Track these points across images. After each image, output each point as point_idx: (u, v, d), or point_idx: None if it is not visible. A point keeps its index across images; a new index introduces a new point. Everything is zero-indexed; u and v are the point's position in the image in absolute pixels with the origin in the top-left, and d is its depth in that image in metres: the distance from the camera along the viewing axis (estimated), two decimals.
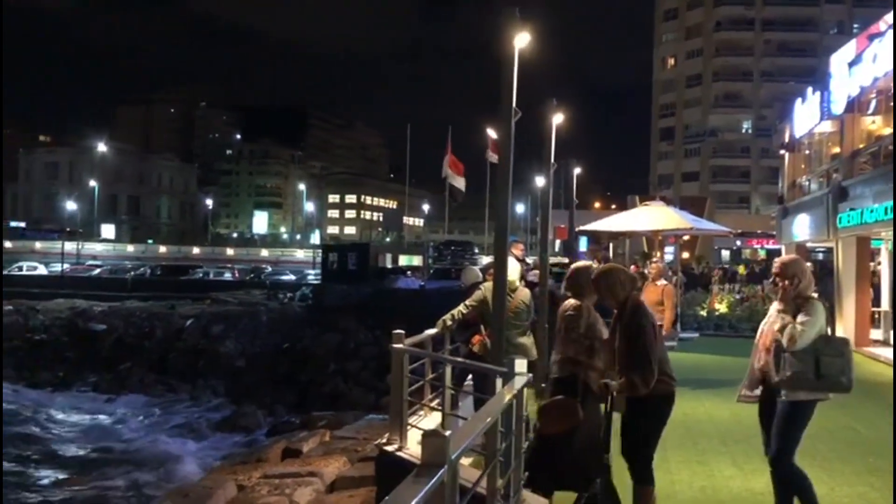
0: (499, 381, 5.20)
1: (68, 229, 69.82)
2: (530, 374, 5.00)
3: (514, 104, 7.04)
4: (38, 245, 73.58)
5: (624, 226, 16.73)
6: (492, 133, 16.04)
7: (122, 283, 45.54)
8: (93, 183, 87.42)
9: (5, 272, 50.55)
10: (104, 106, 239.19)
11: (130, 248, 76.93)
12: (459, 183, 35.71)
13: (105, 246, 77.69)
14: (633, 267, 14.66)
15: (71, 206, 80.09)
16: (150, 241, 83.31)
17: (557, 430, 4.81)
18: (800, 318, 4.79)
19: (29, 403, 24.55)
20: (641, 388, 4.52)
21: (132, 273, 50.55)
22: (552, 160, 11.76)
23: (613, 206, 68.72)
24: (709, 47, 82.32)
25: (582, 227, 18.40)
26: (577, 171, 20.00)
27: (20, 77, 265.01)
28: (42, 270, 52.82)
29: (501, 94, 6.92)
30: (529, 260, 12.72)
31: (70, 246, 61.87)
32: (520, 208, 75.54)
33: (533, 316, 8.38)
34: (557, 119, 11.65)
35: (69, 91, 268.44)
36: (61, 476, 16.69)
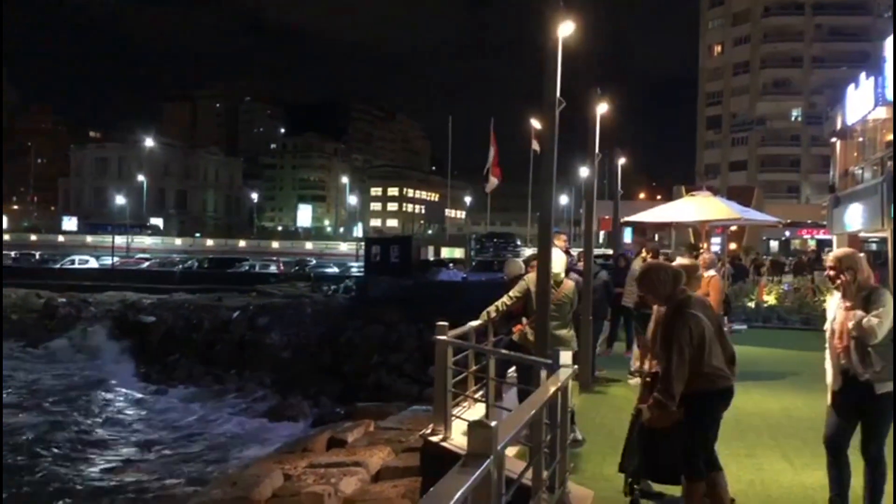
0: (543, 373, 5.17)
1: (153, 222, 70.90)
2: (575, 366, 4.96)
3: (558, 94, 6.98)
4: (89, 239, 75.41)
5: (670, 216, 16.47)
6: (535, 123, 15.94)
7: (170, 276, 46.44)
8: (141, 178, 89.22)
9: (58, 265, 51.95)
10: (152, 102, 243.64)
11: (178, 241, 78.38)
12: (491, 182, 35.60)
13: (154, 239, 79.28)
14: (679, 259, 14.42)
15: (120, 200, 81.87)
16: (197, 235, 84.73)
17: (666, 425, 4.79)
18: (872, 310, 4.66)
19: (79, 392, 25.27)
20: (669, 403, 4.51)
21: (180, 266, 51.49)
22: (596, 150, 11.64)
23: (659, 197, 67.86)
24: (757, 33, 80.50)
25: (626, 218, 18.17)
26: (621, 161, 19.79)
27: (71, 75, 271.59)
28: (93, 264, 54.08)
29: (545, 84, 6.87)
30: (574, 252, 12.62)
31: (120, 240, 63.30)
32: (563, 199, 75.06)
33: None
34: (601, 108, 11.52)
35: (118, 88, 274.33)
36: (114, 463, 17.14)
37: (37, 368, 28.92)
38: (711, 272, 11.83)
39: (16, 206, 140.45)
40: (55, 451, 18.00)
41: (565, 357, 4.87)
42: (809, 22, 77.84)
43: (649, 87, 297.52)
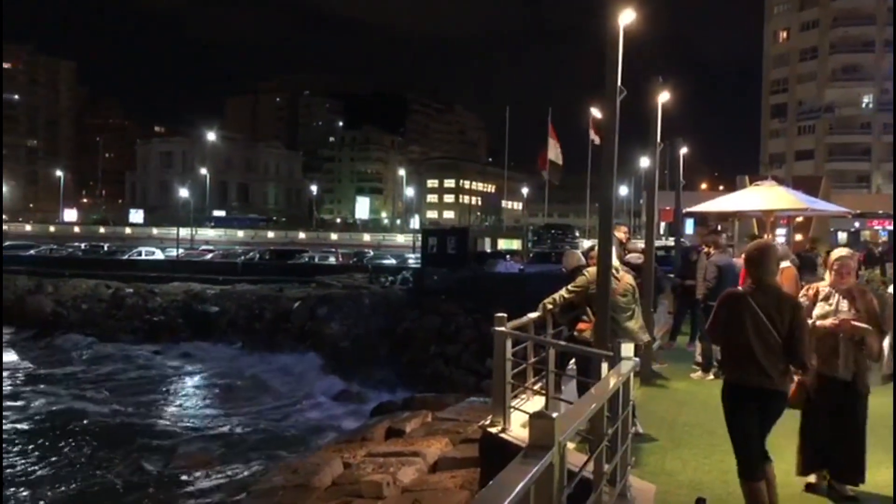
0: (604, 366, 5.11)
1: (271, 218, 71.84)
2: (637, 359, 4.89)
3: (619, 83, 6.87)
4: (154, 231, 77.47)
5: (733, 206, 16.06)
6: (595, 113, 15.71)
7: (233, 268, 47.33)
8: (204, 171, 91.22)
9: (125, 257, 53.47)
10: (215, 97, 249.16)
11: (240, 233, 79.87)
12: (555, 155, 35.15)
13: (217, 231, 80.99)
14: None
15: (184, 193, 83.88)
16: (259, 226, 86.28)
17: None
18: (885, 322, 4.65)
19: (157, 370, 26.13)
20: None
21: (243, 257, 52.43)
22: (658, 140, 11.43)
23: (721, 188, 66.37)
24: (825, 17, 77.79)
25: (689, 209, 17.81)
26: (683, 151, 19.39)
27: (138, 72, 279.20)
28: (159, 255, 55.48)
29: (606, 73, 6.76)
30: (639, 244, 12.34)
31: (185, 232, 64.86)
32: (623, 190, 74.04)
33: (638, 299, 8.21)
34: (663, 97, 11.30)
35: (183, 83, 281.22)
36: (191, 441, 17.69)
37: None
38: (786, 263, 11.47)
39: (85, 200, 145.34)
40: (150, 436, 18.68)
41: (627, 349, 4.80)
42: (881, 4, 74.80)
43: (712, 75, 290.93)
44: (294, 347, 29.29)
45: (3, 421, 20.06)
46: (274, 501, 11.01)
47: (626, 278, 7.52)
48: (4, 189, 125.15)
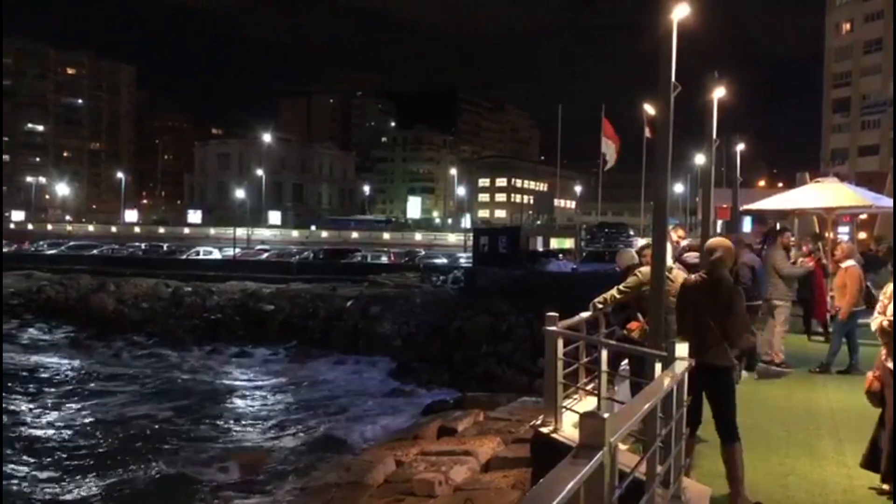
0: (658, 366, 5.03)
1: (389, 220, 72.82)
2: (692, 360, 4.80)
3: (672, 78, 6.76)
4: (212, 231, 79.10)
5: (793, 204, 15.70)
6: (649, 109, 15.49)
7: (287, 267, 48.05)
8: (260, 172, 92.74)
9: (184, 256, 54.72)
10: (269, 98, 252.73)
11: (295, 233, 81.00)
12: (610, 150, 34.68)
13: (272, 232, 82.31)
14: (803, 248, 13.68)
15: (240, 194, 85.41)
16: (313, 227, 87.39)
17: None
18: None
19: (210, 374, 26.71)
20: None
21: (297, 257, 53.17)
22: (714, 136, 11.21)
23: (780, 185, 64.64)
24: (890, 8, 75.21)
25: (746, 207, 17.45)
26: (740, 147, 19.02)
27: (195, 74, 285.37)
28: (216, 255, 56.61)
29: (660, 69, 6.66)
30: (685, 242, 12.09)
31: (241, 232, 66.11)
32: (678, 188, 72.81)
33: None
34: (719, 93, 11.09)
35: (239, 85, 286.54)
36: (245, 436, 18.04)
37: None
38: (850, 262, 11.14)
39: (145, 201, 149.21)
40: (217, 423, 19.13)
41: (681, 349, 4.72)
42: None
43: (770, 70, 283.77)
44: (346, 346, 29.60)
45: (51, 418, 20.72)
46: (327, 498, 11.14)
47: (680, 278, 7.39)
48: (69, 190, 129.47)
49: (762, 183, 79.40)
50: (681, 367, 4.51)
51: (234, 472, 15.10)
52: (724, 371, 5.56)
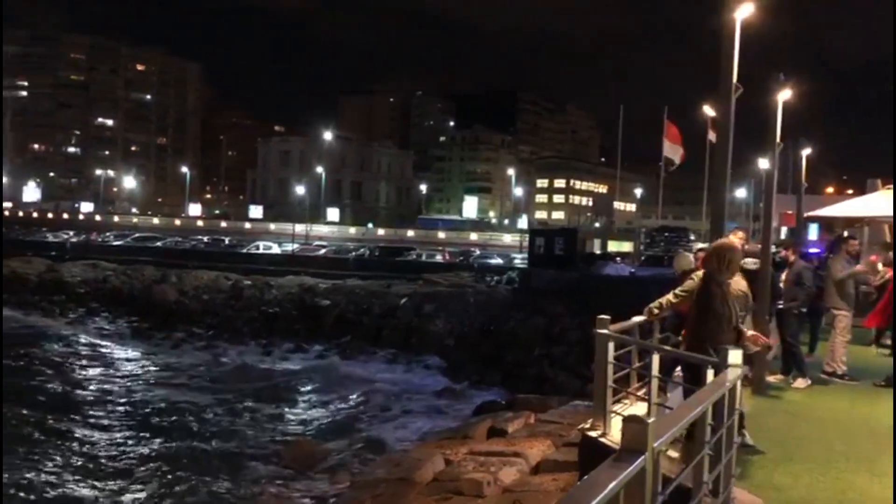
0: (710, 373, 4.93)
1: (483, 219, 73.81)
2: (746, 367, 4.69)
3: (734, 79, 6.63)
4: (272, 226, 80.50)
5: (863, 211, 15.21)
6: (710, 111, 15.20)
7: (344, 263, 48.56)
8: (320, 169, 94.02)
9: (244, 250, 55.77)
10: (331, 97, 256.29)
11: (352, 230, 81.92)
12: (675, 152, 33.97)
13: (330, 228, 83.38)
14: (872, 257, 13.24)
15: (300, 190, 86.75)
16: (369, 225, 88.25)
17: None
18: None
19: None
20: None
21: (353, 254, 53.70)
22: (777, 140, 10.92)
23: (850, 192, 62.64)
24: None
25: (812, 213, 16.96)
26: (806, 151, 18.49)
27: (259, 72, 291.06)
28: (276, 250, 57.55)
29: (721, 70, 6.53)
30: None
31: (300, 227, 67.11)
32: (741, 193, 71.24)
33: (752, 305, 7.90)
34: (784, 95, 10.77)
35: (301, 84, 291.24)
36: (296, 430, 18.33)
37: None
38: None
39: (209, 195, 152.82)
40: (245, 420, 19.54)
41: (734, 357, 4.61)
42: None
43: (839, 71, 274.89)
44: (399, 343, 29.77)
45: (113, 406, 21.39)
46: (376, 493, 11.21)
47: (739, 285, 7.23)
48: (136, 183, 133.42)
49: (830, 189, 77.05)
50: (733, 373, 4.41)
51: (285, 464, 15.34)
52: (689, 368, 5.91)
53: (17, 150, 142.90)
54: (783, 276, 10.99)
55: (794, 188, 21.90)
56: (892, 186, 15.38)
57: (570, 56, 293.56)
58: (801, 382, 10.11)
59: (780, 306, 10.60)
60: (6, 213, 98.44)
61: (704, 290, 5.93)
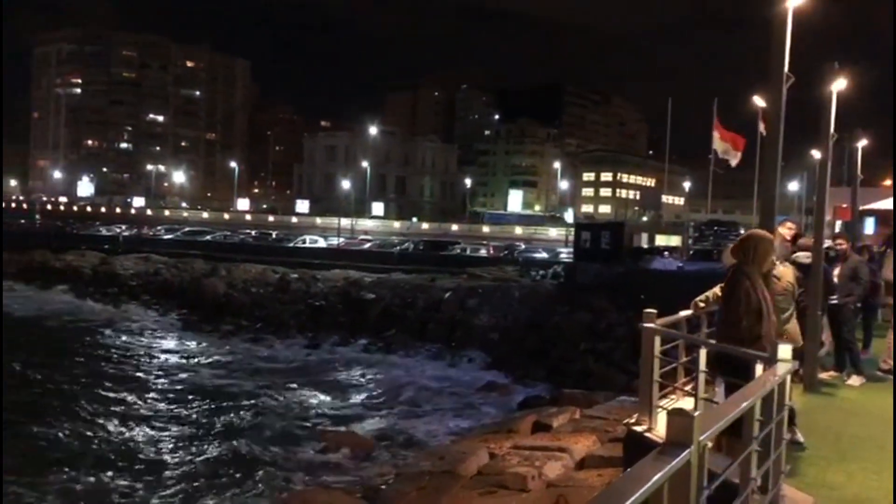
0: (759, 367, 4.84)
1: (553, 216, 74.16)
2: (796, 362, 4.59)
3: (786, 69, 6.47)
4: (318, 220, 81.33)
5: None
6: (761, 102, 14.87)
7: (388, 257, 48.85)
8: (365, 164, 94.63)
9: (291, 244, 56.43)
10: (376, 92, 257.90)
11: (397, 224, 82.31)
12: (733, 155, 33.37)
13: (375, 222, 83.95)
14: None
15: (346, 185, 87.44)
16: (414, 219, 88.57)
17: None
18: None
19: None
20: None
21: (398, 248, 53.96)
22: (831, 131, 10.63)
23: None
24: None
25: (867, 206, 16.51)
26: (862, 143, 17.99)
27: (306, 68, 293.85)
28: (322, 244, 58.13)
29: (772, 59, 6.38)
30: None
31: (345, 222, 67.68)
32: (793, 186, 69.65)
33: (797, 297, 7.73)
34: (839, 85, 10.47)
35: (348, 79, 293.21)
36: (342, 421, 18.54)
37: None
38: None
39: (256, 190, 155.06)
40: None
41: (784, 351, 4.51)
42: None
43: None
44: (443, 337, 29.82)
45: (159, 392, 21.97)
46: (420, 485, 11.26)
47: (787, 278, 7.08)
48: (185, 178, 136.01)
49: (887, 182, 74.79)
50: (783, 368, 4.31)
51: (331, 453, 15.53)
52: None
53: (71, 146, 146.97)
54: (837, 271, 10.72)
55: (850, 181, 21.34)
56: None
57: (617, 48, 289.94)
58: (855, 380, 9.86)
59: (835, 301, 10.35)
60: (61, 207, 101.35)
61: (730, 280, 5.81)
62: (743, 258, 5.87)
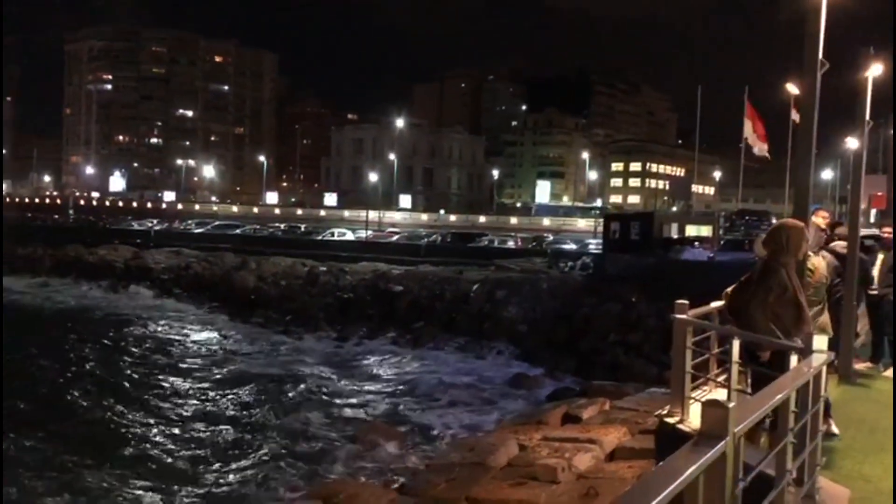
0: (794, 359, 4.77)
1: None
2: (831, 353, 4.52)
3: (820, 55, 6.35)
4: (346, 213, 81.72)
5: None
6: (794, 89, 14.62)
7: (416, 249, 48.94)
8: (392, 156, 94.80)
9: (319, 237, 56.75)
10: (404, 84, 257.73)
11: (424, 216, 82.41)
12: (761, 148, 32.96)
13: (403, 215, 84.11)
14: None
15: (373, 178, 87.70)
16: (441, 211, 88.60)
17: None
18: None
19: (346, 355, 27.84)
20: None
21: (425, 240, 54.02)
22: (867, 118, 10.42)
23: None
24: None
25: None
26: None
27: (333, 61, 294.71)
28: (350, 236, 58.41)
29: (806, 45, 6.26)
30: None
31: (373, 214, 67.90)
32: (826, 174, 68.54)
33: (835, 287, 7.60)
34: (875, 70, 10.25)
35: (374, 71, 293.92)
36: (370, 412, 18.67)
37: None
38: None
39: (285, 183, 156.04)
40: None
41: (820, 342, 4.44)
42: None
43: None
44: (471, 329, 29.82)
45: (187, 384, 22.33)
46: (450, 477, 11.30)
47: (821, 270, 6.96)
48: (215, 172, 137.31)
49: None
50: (818, 359, 4.25)
51: (361, 444, 15.64)
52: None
53: (103, 142, 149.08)
54: (878, 261, 10.52)
55: (885, 168, 20.95)
56: None
57: (645, 36, 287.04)
58: (892, 371, 9.69)
59: (874, 292, 10.17)
60: (94, 202, 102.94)
61: (765, 271, 5.70)
62: (776, 248, 5.77)
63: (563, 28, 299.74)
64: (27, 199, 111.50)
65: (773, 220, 53.65)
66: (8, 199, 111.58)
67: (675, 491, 1.73)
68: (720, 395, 7.01)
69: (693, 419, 6.46)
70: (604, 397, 15.77)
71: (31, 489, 13.15)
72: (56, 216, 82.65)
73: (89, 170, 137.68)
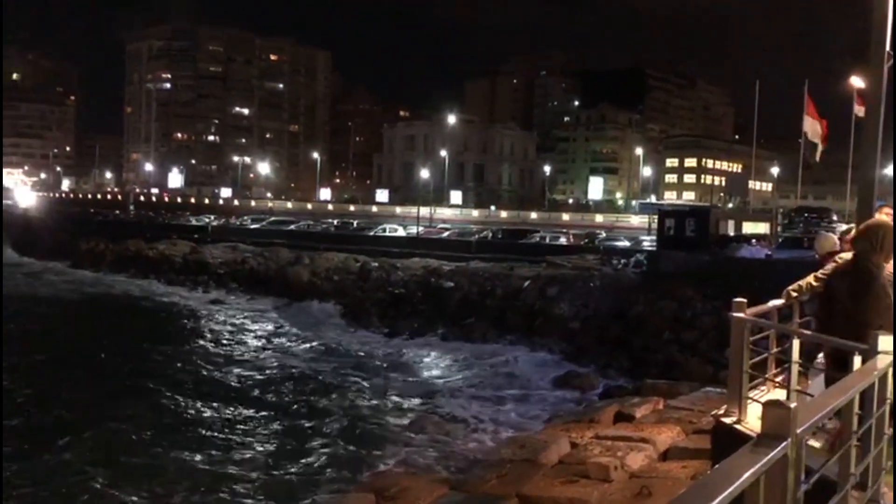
0: (857, 359, 4.64)
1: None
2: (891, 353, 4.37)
3: (887, 47, 6.15)
4: (398, 209, 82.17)
5: None
6: (858, 82, 14.19)
7: (467, 245, 48.92)
8: (444, 153, 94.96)
9: (371, 233, 57.18)
10: (456, 80, 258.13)
11: (475, 212, 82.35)
12: (818, 147, 32.04)
13: (454, 211, 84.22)
14: None
15: (424, 174, 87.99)
16: (492, 207, 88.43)
17: None
18: None
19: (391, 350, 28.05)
20: None
21: (476, 236, 53.96)
22: None
23: None
24: None
25: None
26: None
27: (386, 58, 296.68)
28: (401, 232, 58.71)
29: (872, 37, 6.08)
30: None
31: (424, 210, 68.13)
32: (890, 170, 66.37)
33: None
34: None
35: (427, 68, 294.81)
36: (423, 407, 18.78)
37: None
38: None
39: (338, 180, 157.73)
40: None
41: (885, 342, 4.31)
42: None
43: None
44: (523, 326, 29.71)
45: (243, 373, 22.79)
46: (501, 473, 11.29)
47: (890, 266, 6.74)
48: (270, 169, 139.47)
49: None
50: (884, 360, 4.12)
51: (413, 437, 15.77)
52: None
53: (162, 139, 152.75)
54: None
55: None
56: None
57: (701, 29, 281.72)
58: None
59: None
60: (153, 198, 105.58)
61: (862, 272, 5.43)
62: (870, 249, 5.49)
63: (617, 21, 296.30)
64: (89, 195, 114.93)
65: (834, 217, 52.27)
66: (72, 195, 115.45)
67: (736, 492, 1.70)
68: (778, 395, 6.87)
69: (751, 420, 6.33)
70: (657, 396, 15.56)
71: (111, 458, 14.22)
72: (117, 212, 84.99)
73: (149, 166, 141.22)
